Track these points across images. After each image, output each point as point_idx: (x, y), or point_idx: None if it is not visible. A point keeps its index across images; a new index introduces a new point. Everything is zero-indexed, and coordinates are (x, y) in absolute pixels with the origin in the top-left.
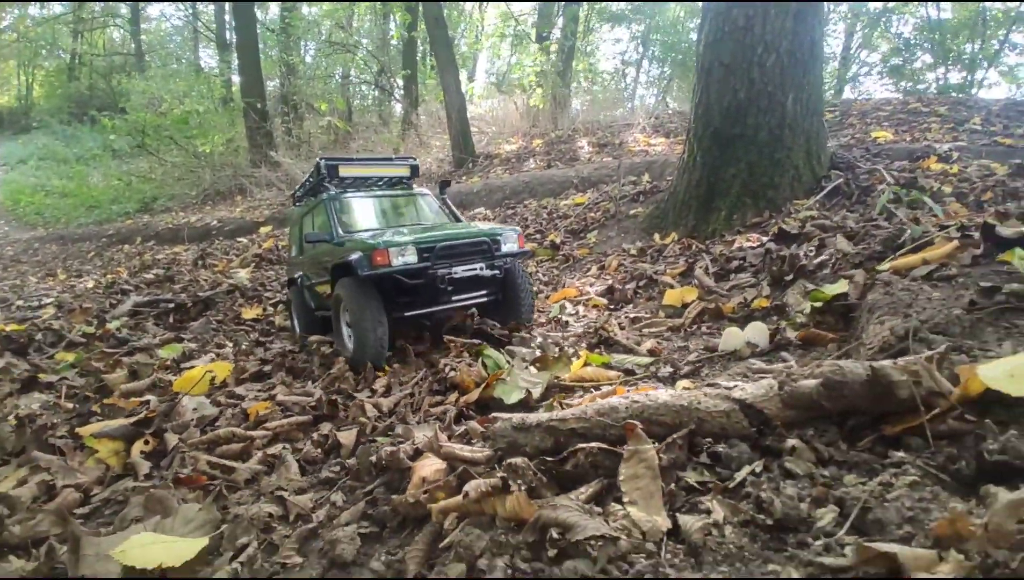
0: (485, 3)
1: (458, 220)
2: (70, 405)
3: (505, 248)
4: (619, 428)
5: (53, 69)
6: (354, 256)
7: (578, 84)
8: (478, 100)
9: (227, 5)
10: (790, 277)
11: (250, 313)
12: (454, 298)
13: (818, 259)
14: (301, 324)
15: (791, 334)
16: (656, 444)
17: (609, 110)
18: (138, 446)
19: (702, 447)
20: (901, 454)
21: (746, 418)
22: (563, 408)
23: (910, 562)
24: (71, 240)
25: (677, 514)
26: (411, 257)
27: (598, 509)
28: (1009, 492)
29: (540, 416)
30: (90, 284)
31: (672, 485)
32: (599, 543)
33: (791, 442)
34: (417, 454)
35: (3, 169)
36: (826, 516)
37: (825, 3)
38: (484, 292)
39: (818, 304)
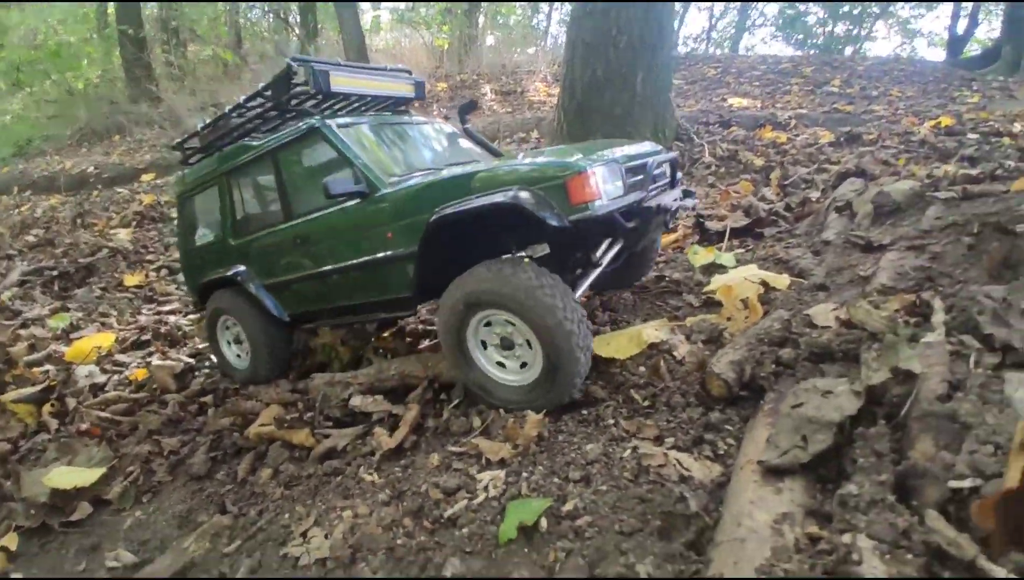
0: None
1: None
2: None
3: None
4: (391, 381)
5: None
6: (508, 195)
7: (488, 20)
8: (383, 31)
9: None
10: None
11: (132, 280)
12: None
13: None
14: (258, 350)
15: None
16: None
17: (523, 48)
18: (47, 408)
19: (444, 390)
20: None
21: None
22: None
23: (486, 448)
24: None
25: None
26: (618, 184)
27: (360, 430)
28: (535, 414)
29: (345, 375)
30: None
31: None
32: (353, 447)
33: None
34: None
35: None
36: (478, 424)
37: None
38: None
39: None
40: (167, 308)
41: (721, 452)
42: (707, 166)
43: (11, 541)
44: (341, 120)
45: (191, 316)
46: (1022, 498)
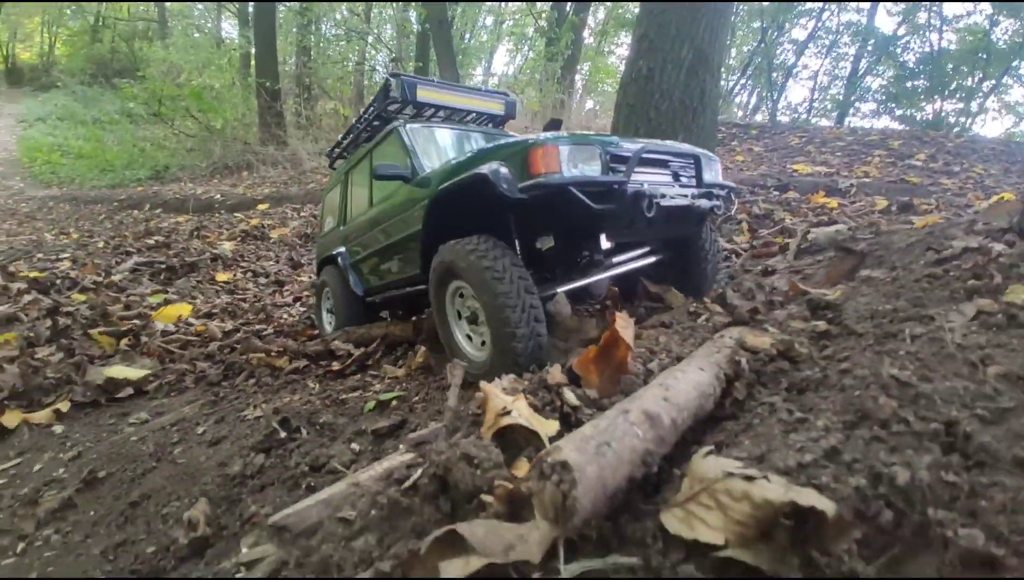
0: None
1: None
2: (83, 321)
3: (707, 176)
4: (360, 337)
5: (77, 29)
6: (487, 167)
7: (586, 86)
8: None
9: None
10: None
11: (222, 277)
12: (614, 260)
13: None
14: (339, 317)
15: None
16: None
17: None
18: (124, 341)
19: (396, 346)
20: None
21: (414, 330)
22: None
23: (388, 371)
24: (84, 201)
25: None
26: (594, 165)
27: (324, 362)
28: (423, 348)
29: (337, 333)
30: (100, 244)
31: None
32: (311, 370)
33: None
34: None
35: (21, 125)
36: (400, 362)
37: (727, 58)
38: (650, 250)
39: None
40: (240, 297)
41: None
42: (737, 222)
43: (64, 406)
44: (416, 124)
45: (253, 302)
46: (605, 357)
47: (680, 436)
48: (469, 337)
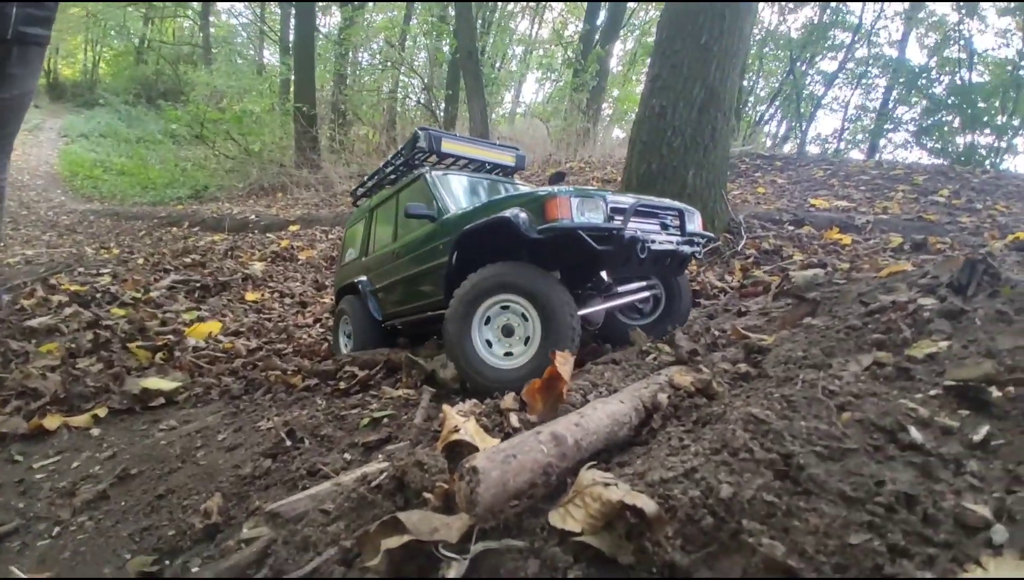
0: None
1: None
2: (122, 335)
3: (690, 227)
4: (367, 362)
5: (121, 50)
6: (510, 212)
7: (616, 113)
8: (518, 121)
9: (291, 9)
10: None
11: (251, 296)
12: (620, 289)
13: None
14: (357, 341)
15: None
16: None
17: None
18: (159, 354)
19: (396, 370)
20: None
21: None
22: None
23: (387, 392)
24: (125, 217)
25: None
26: (597, 214)
27: (332, 381)
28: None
29: (348, 355)
30: (140, 261)
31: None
32: (320, 388)
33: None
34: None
35: (63, 140)
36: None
37: (736, 98)
38: (651, 284)
39: None
40: (266, 316)
41: None
42: (746, 257)
43: (102, 412)
44: (439, 172)
45: (277, 322)
46: (547, 388)
47: (590, 455)
48: (492, 347)
